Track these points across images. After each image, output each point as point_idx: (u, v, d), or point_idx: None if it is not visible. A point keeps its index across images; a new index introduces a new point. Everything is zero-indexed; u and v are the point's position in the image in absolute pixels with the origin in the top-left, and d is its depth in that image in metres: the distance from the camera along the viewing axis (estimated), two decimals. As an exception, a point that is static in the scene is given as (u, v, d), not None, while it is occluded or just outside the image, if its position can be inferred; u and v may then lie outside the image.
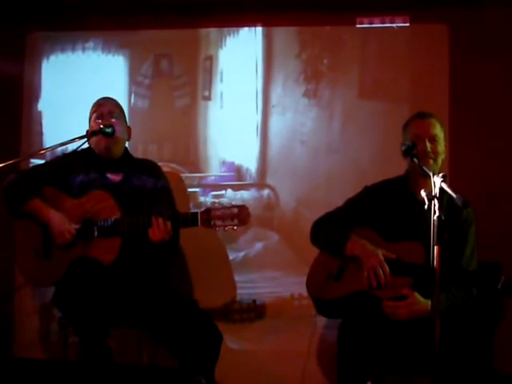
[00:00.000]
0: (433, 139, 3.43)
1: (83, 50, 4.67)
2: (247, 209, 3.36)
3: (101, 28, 4.67)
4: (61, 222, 3.51)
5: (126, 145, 3.82)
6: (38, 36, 4.74)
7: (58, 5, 4.63)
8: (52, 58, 4.71)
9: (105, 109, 3.69)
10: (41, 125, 4.66)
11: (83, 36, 4.68)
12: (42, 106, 4.69)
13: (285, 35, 4.50)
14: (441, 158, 3.46)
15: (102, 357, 3.40)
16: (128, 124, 3.83)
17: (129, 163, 3.76)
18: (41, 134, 4.65)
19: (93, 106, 3.75)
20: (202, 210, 3.39)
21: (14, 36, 4.71)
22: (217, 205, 3.39)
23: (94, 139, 3.62)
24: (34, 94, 4.71)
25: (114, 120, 3.66)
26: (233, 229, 3.36)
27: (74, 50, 4.67)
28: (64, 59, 4.68)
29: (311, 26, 4.46)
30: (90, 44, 4.67)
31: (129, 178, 3.71)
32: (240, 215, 3.34)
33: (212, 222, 3.35)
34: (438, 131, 3.47)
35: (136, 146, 4.36)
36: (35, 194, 3.56)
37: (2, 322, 4.54)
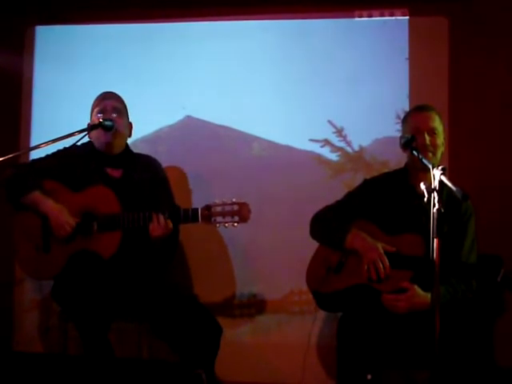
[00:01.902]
0: (432, 132, 3.42)
1: (83, 43, 4.66)
2: (248, 205, 3.36)
3: (101, 22, 4.66)
4: (60, 213, 3.50)
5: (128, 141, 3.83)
6: (37, 30, 4.73)
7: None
8: (51, 51, 4.68)
9: (108, 104, 3.67)
10: (39, 118, 4.66)
11: (83, 30, 4.67)
12: (41, 99, 4.68)
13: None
14: (440, 151, 3.45)
15: (102, 351, 3.40)
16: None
17: (128, 159, 3.75)
18: (39, 127, 4.64)
19: (96, 100, 3.73)
20: (203, 206, 3.39)
21: (13, 30, 4.70)
22: (218, 201, 3.37)
23: (94, 133, 3.62)
24: (32, 87, 4.69)
25: (115, 115, 3.64)
26: (233, 225, 3.36)
27: (74, 43, 4.66)
28: (64, 53, 4.65)
29: (310, 18, 4.45)
30: (90, 38, 4.66)
31: (128, 174, 3.70)
32: (241, 212, 3.35)
33: (213, 219, 3.36)
34: (437, 124, 3.46)
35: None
36: (36, 186, 3.56)
37: (2, 316, 4.55)
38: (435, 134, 3.43)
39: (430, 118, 3.46)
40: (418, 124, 3.44)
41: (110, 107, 3.66)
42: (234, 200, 3.36)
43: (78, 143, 3.50)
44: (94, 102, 3.72)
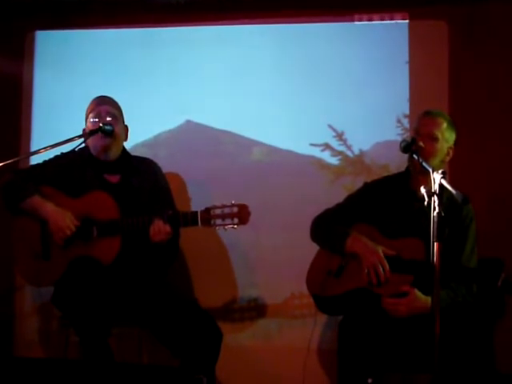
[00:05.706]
0: (430, 137, 3.38)
1: (83, 48, 4.66)
2: (247, 207, 3.36)
3: (101, 26, 4.67)
4: (61, 216, 3.48)
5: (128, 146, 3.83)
6: (37, 35, 4.73)
7: (58, 4, 4.63)
8: (51, 56, 4.69)
9: (103, 109, 3.64)
10: (40, 123, 4.66)
11: (83, 34, 4.68)
12: (41, 104, 4.69)
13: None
14: (438, 158, 3.39)
15: (102, 356, 3.39)
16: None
17: (126, 164, 3.73)
18: (40, 132, 4.64)
19: (90, 105, 3.70)
20: (202, 209, 3.39)
21: (13, 35, 4.71)
22: (217, 204, 3.37)
23: (91, 139, 3.58)
24: (33, 92, 4.70)
25: (110, 119, 3.62)
26: (233, 228, 3.36)
27: (74, 48, 4.66)
28: (64, 58, 4.66)
29: (310, 22, 4.46)
30: (90, 42, 4.66)
31: (127, 179, 3.69)
32: (240, 214, 3.34)
33: (212, 221, 3.36)
34: (441, 131, 3.41)
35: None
36: (35, 191, 3.54)
37: (3, 322, 4.54)
38: (434, 140, 3.40)
39: (433, 123, 3.42)
40: (419, 127, 3.43)
41: (105, 112, 3.63)
42: (233, 202, 3.36)
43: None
44: (89, 107, 3.69)
